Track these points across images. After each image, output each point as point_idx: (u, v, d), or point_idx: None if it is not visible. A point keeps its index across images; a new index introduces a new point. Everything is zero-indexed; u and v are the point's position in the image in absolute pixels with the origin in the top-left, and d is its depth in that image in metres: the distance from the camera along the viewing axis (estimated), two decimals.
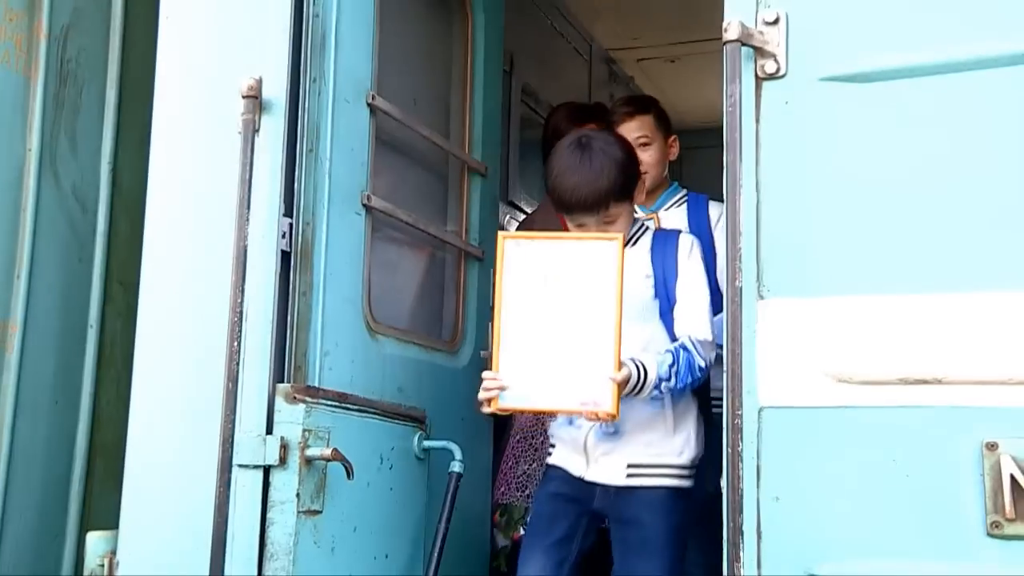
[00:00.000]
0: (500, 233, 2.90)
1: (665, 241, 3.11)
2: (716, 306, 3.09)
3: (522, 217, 4.31)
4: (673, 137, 3.83)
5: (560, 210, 3.05)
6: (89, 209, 3.61)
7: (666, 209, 3.75)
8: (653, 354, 2.86)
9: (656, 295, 3.02)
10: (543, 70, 4.55)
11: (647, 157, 3.60)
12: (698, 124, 4.78)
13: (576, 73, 4.84)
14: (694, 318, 2.99)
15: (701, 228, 3.60)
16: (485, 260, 3.63)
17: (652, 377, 2.81)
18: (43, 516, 3.42)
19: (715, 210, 3.61)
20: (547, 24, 4.51)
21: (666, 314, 3.02)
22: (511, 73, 4.18)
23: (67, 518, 3.49)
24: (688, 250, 3.06)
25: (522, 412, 3.08)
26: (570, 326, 2.75)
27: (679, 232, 3.23)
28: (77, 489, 3.51)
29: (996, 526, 2.15)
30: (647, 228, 3.19)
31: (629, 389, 2.77)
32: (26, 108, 3.45)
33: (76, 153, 3.59)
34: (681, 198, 3.80)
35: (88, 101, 3.64)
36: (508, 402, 2.76)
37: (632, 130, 3.65)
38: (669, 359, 2.85)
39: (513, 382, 2.74)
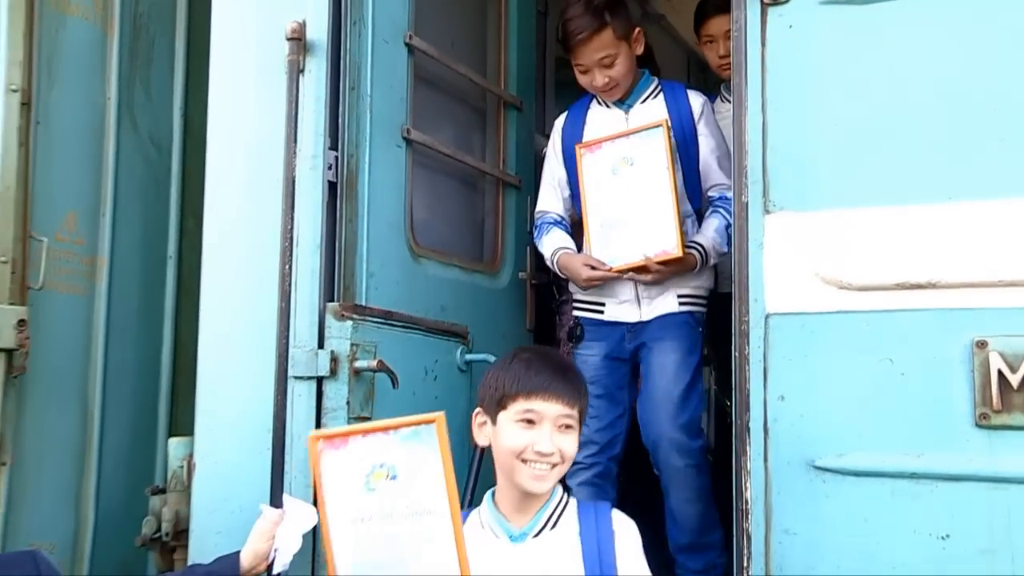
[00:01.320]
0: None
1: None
2: (694, 200, 3.28)
3: None
4: (637, 31, 3.26)
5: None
6: (164, 151, 3.64)
7: (642, 102, 3.29)
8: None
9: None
10: None
11: (614, 73, 3.20)
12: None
13: None
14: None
15: (683, 120, 3.23)
16: (523, 187, 3.61)
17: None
18: (136, 426, 3.52)
19: (696, 100, 3.28)
20: None
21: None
22: (546, 13, 4.11)
23: (157, 427, 3.58)
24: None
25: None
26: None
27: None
28: (164, 402, 3.60)
29: (984, 417, 2.13)
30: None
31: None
32: (104, 60, 3.46)
33: (150, 100, 3.61)
34: (655, 89, 3.32)
35: (159, 52, 3.65)
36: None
37: (593, 51, 3.17)
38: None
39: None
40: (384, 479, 2.26)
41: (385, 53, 2.97)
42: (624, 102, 3.29)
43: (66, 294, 3.27)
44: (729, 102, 3.07)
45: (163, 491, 3.05)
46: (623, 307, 3.27)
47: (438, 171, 3.40)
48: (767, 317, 2.34)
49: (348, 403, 2.70)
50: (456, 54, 3.43)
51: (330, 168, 2.79)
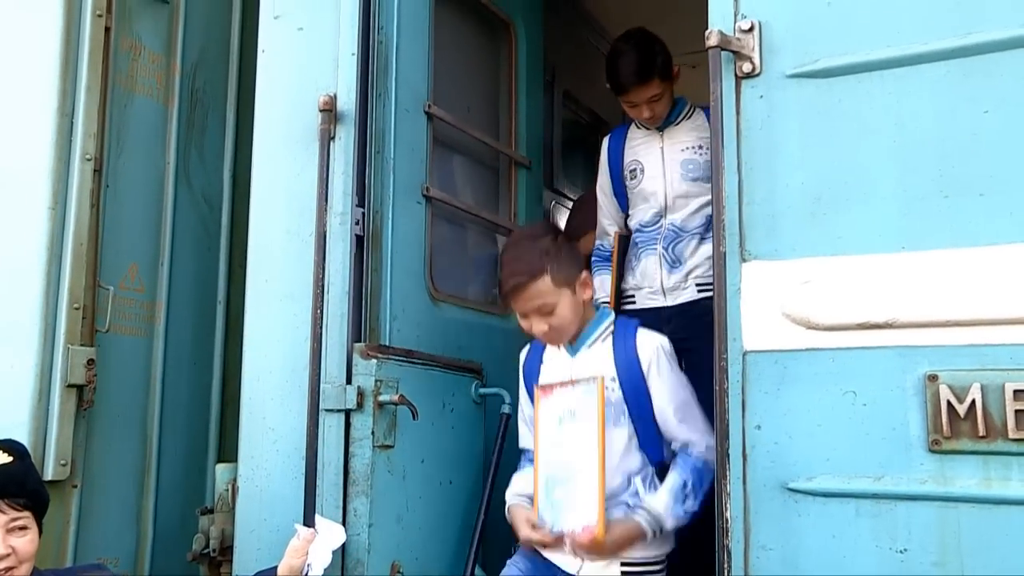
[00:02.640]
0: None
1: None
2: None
3: (568, 204, 4.30)
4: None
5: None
6: (215, 207, 3.73)
7: (588, 346, 2.76)
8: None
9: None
10: (582, 79, 4.52)
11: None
12: None
13: None
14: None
15: (632, 369, 2.71)
16: None
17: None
18: (189, 452, 3.58)
19: (646, 348, 2.72)
20: (584, 39, 4.50)
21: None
22: (554, 82, 4.19)
23: (207, 453, 3.63)
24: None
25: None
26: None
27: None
28: (214, 431, 3.65)
29: (936, 443, 2.15)
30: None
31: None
32: (165, 130, 3.58)
33: (204, 162, 3.71)
34: (605, 331, 2.77)
35: (212, 121, 3.76)
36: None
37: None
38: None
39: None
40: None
41: (407, 121, 3.06)
42: (572, 345, 2.76)
43: (128, 336, 3.35)
44: (645, 129, 3.43)
45: (211, 511, 3.11)
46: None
47: (455, 223, 3.46)
48: (744, 354, 2.37)
49: (373, 433, 2.75)
50: (471, 119, 3.51)
51: (357, 223, 2.86)
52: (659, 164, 3.40)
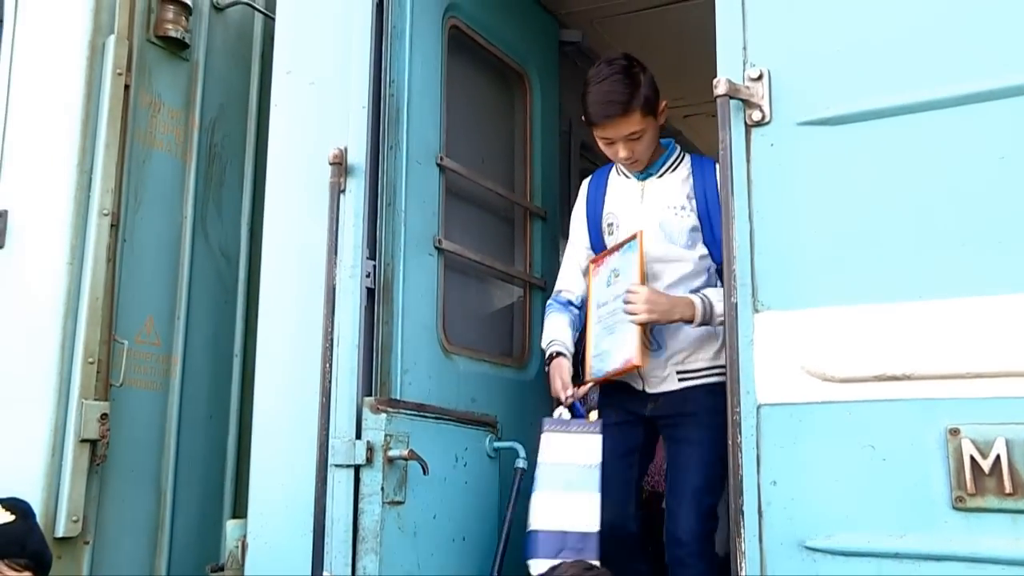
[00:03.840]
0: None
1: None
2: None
3: None
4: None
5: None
6: (232, 260, 3.73)
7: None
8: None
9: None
10: None
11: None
12: None
13: None
14: None
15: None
16: (547, 289, 3.63)
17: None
18: (203, 509, 3.53)
19: None
20: None
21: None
22: (571, 133, 4.17)
23: (223, 510, 3.58)
24: None
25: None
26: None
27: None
28: (229, 486, 3.60)
29: (960, 500, 2.06)
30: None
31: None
32: (183, 185, 3.58)
33: (221, 217, 3.71)
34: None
35: (230, 176, 3.77)
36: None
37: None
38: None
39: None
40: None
41: (418, 173, 3.05)
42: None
43: (143, 390, 3.33)
44: (626, 177, 3.08)
45: (222, 568, 3.06)
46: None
47: (469, 275, 3.43)
48: (758, 408, 2.30)
49: (382, 488, 2.70)
50: (485, 169, 3.50)
51: (368, 276, 2.85)
52: (636, 222, 3.02)
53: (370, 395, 2.79)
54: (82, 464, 3.06)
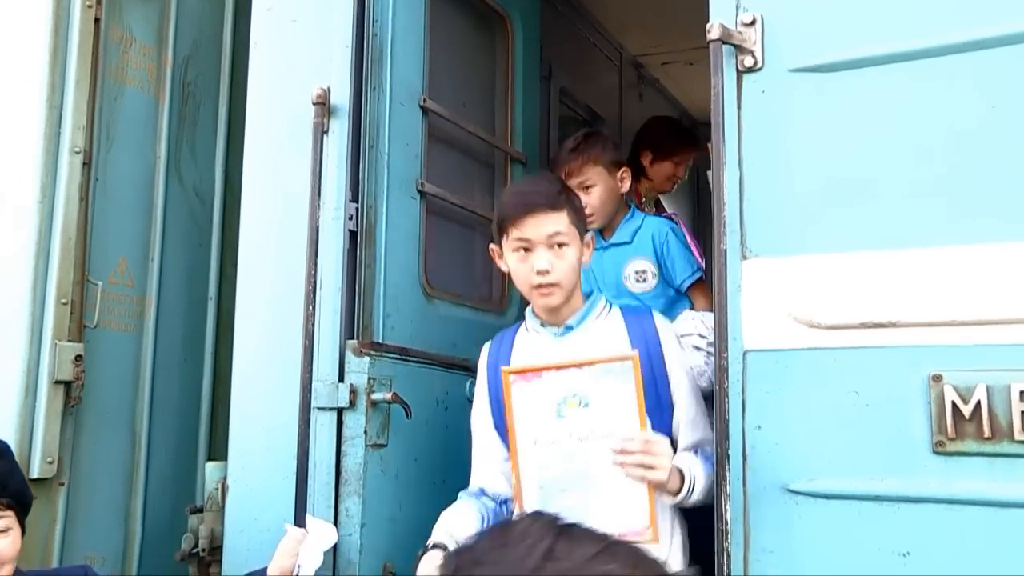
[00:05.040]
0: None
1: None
2: None
3: None
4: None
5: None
6: (206, 202, 3.65)
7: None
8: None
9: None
10: (578, 75, 4.43)
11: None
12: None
13: (608, 77, 4.71)
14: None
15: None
16: None
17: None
18: (178, 451, 3.50)
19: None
20: (581, 36, 4.41)
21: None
22: (550, 78, 4.12)
23: (197, 452, 3.55)
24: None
25: None
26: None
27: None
28: (204, 429, 3.57)
29: (940, 444, 2.09)
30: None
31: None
32: (156, 124, 3.49)
33: (195, 157, 3.62)
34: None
35: (204, 116, 3.67)
36: None
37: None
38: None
39: None
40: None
41: (401, 115, 2.99)
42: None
43: (118, 331, 3.27)
44: (536, 332, 2.50)
45: (201, 510, 3.03)
46: None
47: (450, 219, 3.38)
48: (745, 354, 2.31)
49: (365, 432, 2.68)
50: (467, 113, 3.44)
51: (351, 218, 2.79)
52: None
53: (353, 338, 2.75)
54: (56, 406, 3.00)
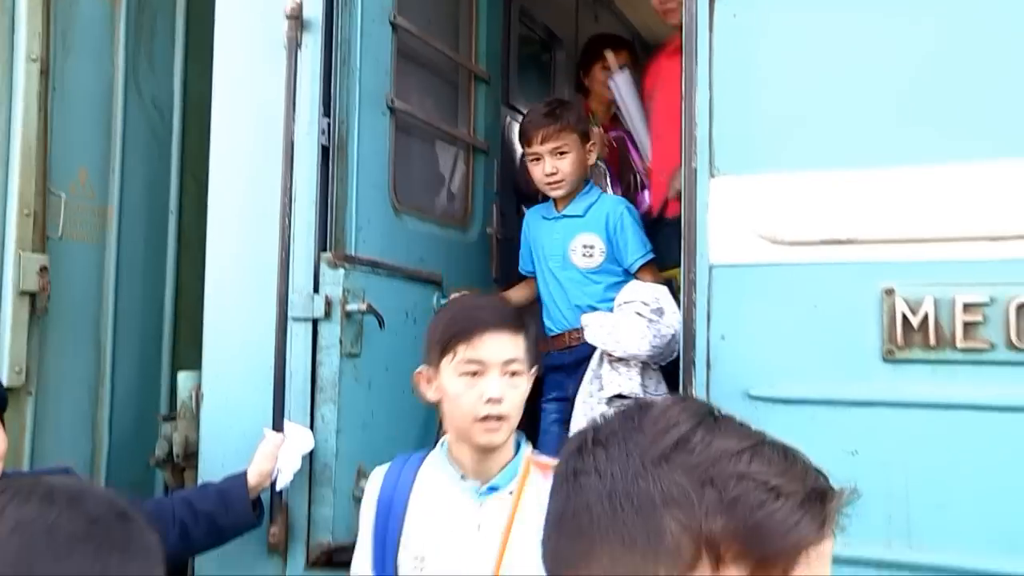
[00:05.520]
0: None
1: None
2: None
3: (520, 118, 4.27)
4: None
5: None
6: (165, 115, 3.57)
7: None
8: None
9: None
10: None
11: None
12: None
13: None
14: None
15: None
16: (489, 152, 3.64)
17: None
18: (143, 362, 3.49)
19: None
20: None
21: None
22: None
23: (161, 363, 3.56)
24: None
25: None
26: None
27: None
28: (167, 340, 3.56)
29: (890, 352, 2.25)
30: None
31: None
32: (113, 33, 3.36)
33: (153, 69, 3.52)
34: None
35: (161, 27, 3.56)
36: None
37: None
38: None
39: None
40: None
41: (372, 31, 2.97)
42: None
43: (80, 242, 3.22)
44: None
45: (173, 418, 3.07)
46: None
47: (417, 137, 3.39)
48: (711, 268, 2.42)
49: (340, 341, 2.74)
50: (433, 31, 3.42)
51: (323, 133, 2.79)
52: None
53: (326, 251, 2.78)
54: (22, 316, 2.96)
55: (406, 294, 3.06)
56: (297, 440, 2.68)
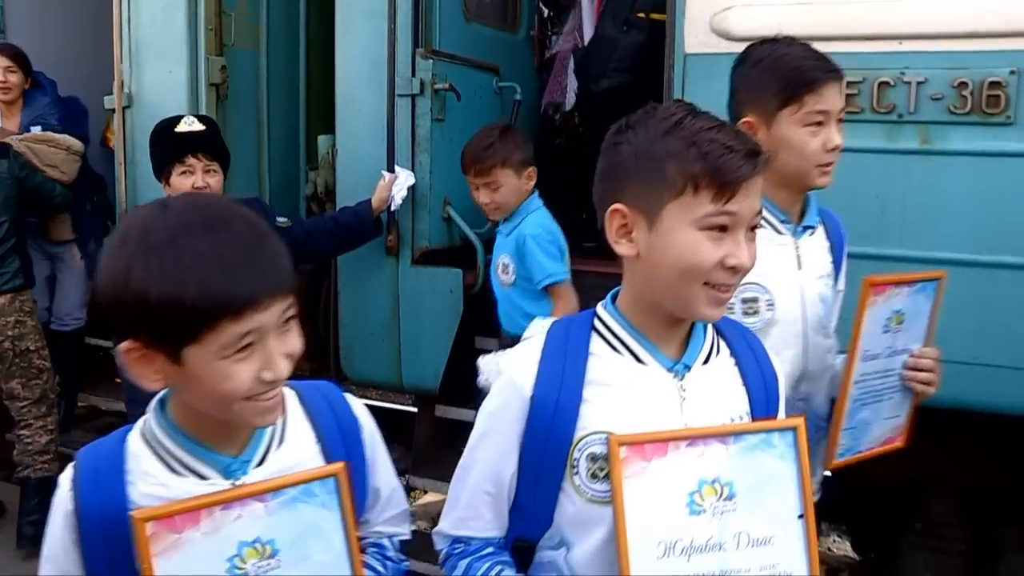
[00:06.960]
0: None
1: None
2: None
3: None
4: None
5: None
6: None
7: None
8: None
9: None
10: None
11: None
12: None
13: None
14: None
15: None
16: None
17: None
18: (288, 129, 4.52)
19: None
20: None
21: None
22: None
23: (299, 131, 4.57)
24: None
25: None
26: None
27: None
28: (302, 117, 4.59)
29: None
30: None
31: None
32: None
33: None
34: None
35: None
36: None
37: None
38: None
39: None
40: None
41: None
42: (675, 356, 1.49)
43: (244, 49, 4.21)
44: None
45: (315, 168, 4.15)
46: None
47: None
48: (685, 56, 3.10)
49: (431, 110, 3.62)
50: None
51: None
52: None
53: (419, 47, 3.65)
54: (213, 101, 4.02)
55: (474, 79, 3.92)
56: (404, 178, 3.62)
